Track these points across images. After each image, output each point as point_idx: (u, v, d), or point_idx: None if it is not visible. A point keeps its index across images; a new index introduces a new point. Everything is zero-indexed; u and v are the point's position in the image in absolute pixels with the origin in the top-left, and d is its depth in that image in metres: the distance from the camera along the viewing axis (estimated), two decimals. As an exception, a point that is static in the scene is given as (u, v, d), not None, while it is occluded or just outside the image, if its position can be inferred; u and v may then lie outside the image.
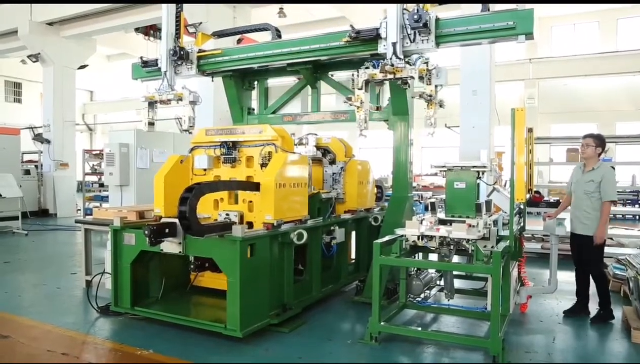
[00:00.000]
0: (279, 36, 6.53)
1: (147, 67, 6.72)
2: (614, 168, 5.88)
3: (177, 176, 5.30)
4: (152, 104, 6.39)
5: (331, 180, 6.26)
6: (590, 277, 5.31)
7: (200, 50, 6.50)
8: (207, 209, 5.26)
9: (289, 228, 4.95)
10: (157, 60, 6.53)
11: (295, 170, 5.12)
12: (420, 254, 5.40)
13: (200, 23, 12.20)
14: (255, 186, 4.94)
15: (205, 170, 5.42)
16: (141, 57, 6.80)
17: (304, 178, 5.29)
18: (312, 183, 5.71)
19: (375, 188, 7.54)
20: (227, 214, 5.06)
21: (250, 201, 5.07)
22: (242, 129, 5.40)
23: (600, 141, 5.34)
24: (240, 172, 5.30)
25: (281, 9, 16.04)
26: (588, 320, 5.17)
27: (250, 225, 5.03)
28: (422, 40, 5.16)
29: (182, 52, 6.25)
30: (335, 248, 5.88)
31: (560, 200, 9.15)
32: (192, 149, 5.59)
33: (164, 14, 6.26)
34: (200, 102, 6.26)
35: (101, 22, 14.80)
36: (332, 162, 6.33)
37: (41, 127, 16.31)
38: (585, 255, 5.33)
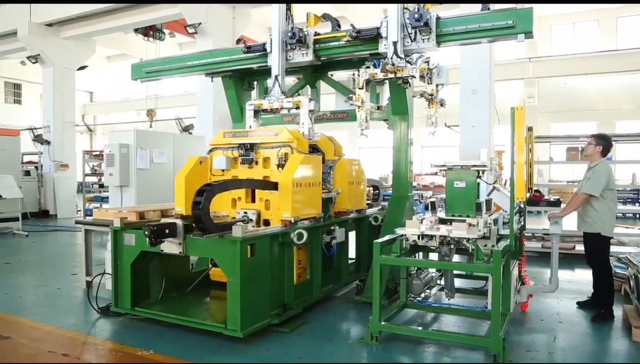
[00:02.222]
0: (339, 26, 6.14)
1: (251, 52, 6.25)
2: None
3: (197, 176, 5.47)
4: (257, 113, 5.94)
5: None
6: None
7: (316, 33, 5.96)
8: (225, 208, 5.46)
9: (308, 225, 5.17)
10: (264, 44, 6.08)
11: (310, 171, 5.25)
12: (421, 253, 5.40)
13: (200, 23, 12.21)
14: (261, 184, 5.14)
15: (223, 170, 5.57)
16: (244, 41, 6.23)
17: (318, 178, 5.43)
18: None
19: (372, 189, 7.51)
20: (245, 212, 5.26)
21: (267, 200, 5.24)
22: (259, 132, 5.60)
23: (600, 140, 5.37)
24: (257, 173, 5.44)
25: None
26: (589, 319, 5.18)
27: (267, 222, 5.21)
28: (423, 39, 5.17)
29: (300, 34, 5.73)
30: (335, 248, 5.87)
31: (560, 199, 9.18)
32: (210, 151, 5.75)
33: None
34: (317, 111, 5.86)
35: (101, 23, 14.80)
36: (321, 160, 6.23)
37: (41, 128, 16.31)
38: (586, 251, 5.43)
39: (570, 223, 6.18)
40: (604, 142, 5.36)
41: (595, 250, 5.30)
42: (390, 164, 6.45)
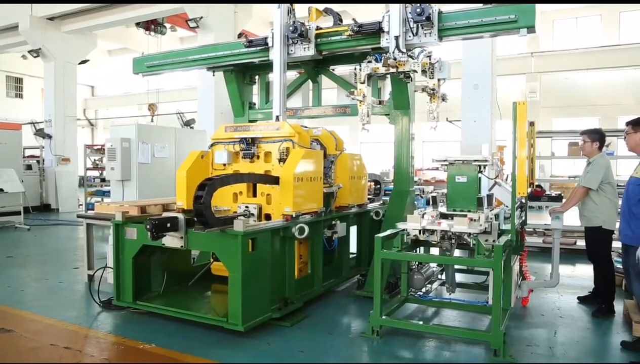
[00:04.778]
0: (340, 21, 6.10)
1: (253, 47, 6.19)
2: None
3: (198, 170, 5.49)
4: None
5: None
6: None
7: (318, 28, 5.92)
8: (227, 202, 5.47)
9: (310, 219, 5.18)
10: (265, 38, 6.06)
11: (312, 165, 5.25)
12: (422, 248, 5.41)
13: (201, 18, 12.18)
14: (262, 178, 5.15)
15: (224, 164, 5.58)
16: (245, 36, 6.23)
17: (320, 173, 5.43)
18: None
19: (373, 184, 7.52)
20: (247, 206, 5.28)
21: (269, 194, 5.25)
22: (260, 126, 5.59)
23: (594, 135, 5.42)
24: (259, 167, 5.45)
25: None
26: (590, 314, 5.19)
27: (268, 216, 5.23)
28: (425, 33, 5.15)
29: (302, 29, 5.72)
30: (336, 243, 5.88)
31: (562, 194, 9.18)
32: (211, 145, 5.76)
33: None
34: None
35: (102, 16, 14.77)
36: (323, 155, 6.21)
37: (42, 122, 16.31)
38: (587, 246, 5.47)
39: (571, 218, 6.17)
40: (598, 136, 5.44)
41: (597, 245, 5.31)
42: (392, 159, 6.45)
